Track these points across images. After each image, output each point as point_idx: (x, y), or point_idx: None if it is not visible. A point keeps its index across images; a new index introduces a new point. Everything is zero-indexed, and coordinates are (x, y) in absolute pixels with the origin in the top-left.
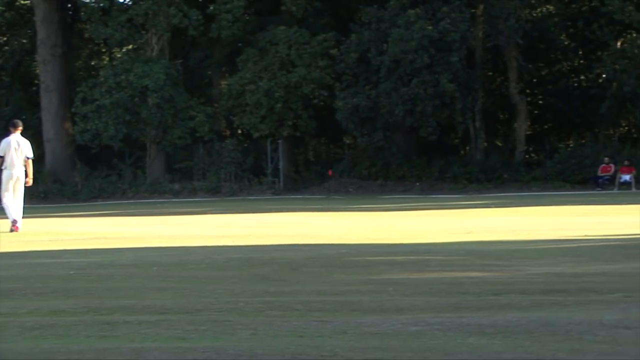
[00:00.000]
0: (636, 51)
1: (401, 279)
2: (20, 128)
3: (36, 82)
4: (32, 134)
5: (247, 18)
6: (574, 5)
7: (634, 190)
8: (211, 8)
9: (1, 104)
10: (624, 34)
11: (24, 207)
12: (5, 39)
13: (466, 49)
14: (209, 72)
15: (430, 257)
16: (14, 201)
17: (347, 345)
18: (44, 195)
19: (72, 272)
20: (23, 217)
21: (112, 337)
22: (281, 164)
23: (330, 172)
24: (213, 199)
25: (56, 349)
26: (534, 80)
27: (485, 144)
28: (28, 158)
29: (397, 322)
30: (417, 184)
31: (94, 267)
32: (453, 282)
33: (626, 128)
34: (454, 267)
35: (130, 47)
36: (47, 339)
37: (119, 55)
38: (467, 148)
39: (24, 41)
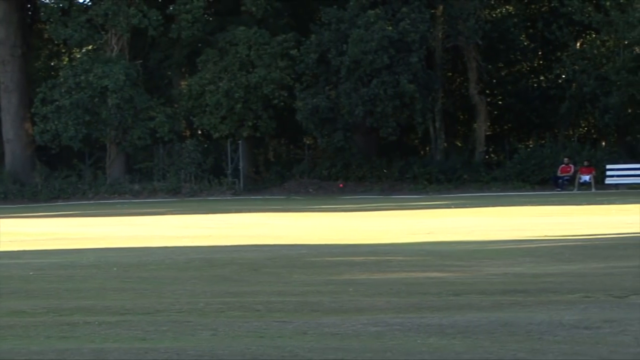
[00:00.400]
0: (595, 52)
1: (361, 280)
2: None
3: None
4: None
5: (207, 18)
6: (533, 6)
7: (593, 190)
8: (171, 8)
9: None
10: (584, 35)
11: None
12: None
13: (426, 49)
14: (169, 73)
15: (390, 258)
16: None
17: (308, 346)
18: (4, 195)
19: (31, 273)
20: None
21: (73, 337)
22: (241, 165)
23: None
24: (173, 199)
25: (16, 350)
26: (494, 80)
27: (445, 144)
28: None
29: (357, 323)
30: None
31: (54, 267)
32: (413, 283)
33: (585, 129)
34: (414, 267)
35: (90, 47)
36: (7, 340)
37: (78, 56)
38: (427, 148)
39: None
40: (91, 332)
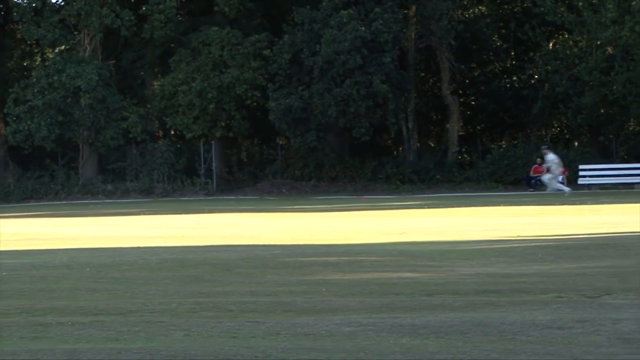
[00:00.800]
0: (568, 52)
1: (334, 280)
2: None
3: None
4: None
5: (180, 19)
6: (506, 7)
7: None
8: (144, 8)
9: None
10: (556, 35)
11: None
12: None
13: (399, 49)
14: (142, 73)
15: (363, 258)
16: None
17: (281, 346)
18: None
19: (4, 274)
20: None
21: (46, 338)
22: (214, 165)
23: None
24: (146, 199)
25: None
26: (467, 81)
27: (418, 144)
28: None
29: (330, 323)
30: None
31: (26, 268)
32: (386, 283)
33: (558, 129)
34: (387, 267)
35: (62, 47)
36: None
37: (51, 56)
38: (400, 149)
39: None
40: (64, 333)
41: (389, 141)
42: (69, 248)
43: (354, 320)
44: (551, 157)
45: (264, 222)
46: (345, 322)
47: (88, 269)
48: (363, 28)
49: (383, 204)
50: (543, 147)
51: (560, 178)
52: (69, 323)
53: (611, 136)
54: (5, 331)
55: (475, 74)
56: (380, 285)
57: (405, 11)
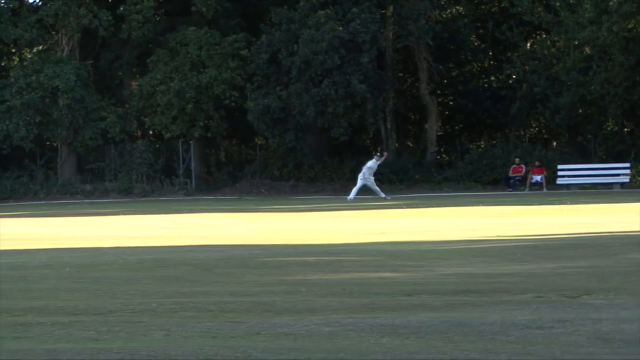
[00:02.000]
0: (545, 52)
1: (314, 280)
2: None
3: None
4: None
5: (158, 19)
6: (483, 7)
7: (544, 190)
8: (121, 9)
9: None
10: (534, 35)
11: None
12: None
13: (377, 49)
14: (120, 73)
15: (343, 258)
16: None
17: (261, 346)
18: None
19: None
20: None
21: (26, 338)
22: (193, 165)
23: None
24: (125, 199)
25: None
26: (445, 81)
27: (397, 144)
28: None
29: (310, 323)
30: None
31: (5, 268)
32: (366, 283)
33: (536, 129)
34: (367, 267)
35: (40, 47)
36: None
37: (29, 56)
38: (379, 149)
39: None
40: (44, 333)
41: (368, 141)
42: (48, 248)
43: (333, 320)
44: None
45: (243, 222)
46: (325, 322)
47: (68, 269)
48: (340, 28)
49: (362, 204)
50: None
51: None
52: (49, 323)
53: (589, 136)
54: None
55: (454, 74)
56: (360, 285)
57: (383, 11)
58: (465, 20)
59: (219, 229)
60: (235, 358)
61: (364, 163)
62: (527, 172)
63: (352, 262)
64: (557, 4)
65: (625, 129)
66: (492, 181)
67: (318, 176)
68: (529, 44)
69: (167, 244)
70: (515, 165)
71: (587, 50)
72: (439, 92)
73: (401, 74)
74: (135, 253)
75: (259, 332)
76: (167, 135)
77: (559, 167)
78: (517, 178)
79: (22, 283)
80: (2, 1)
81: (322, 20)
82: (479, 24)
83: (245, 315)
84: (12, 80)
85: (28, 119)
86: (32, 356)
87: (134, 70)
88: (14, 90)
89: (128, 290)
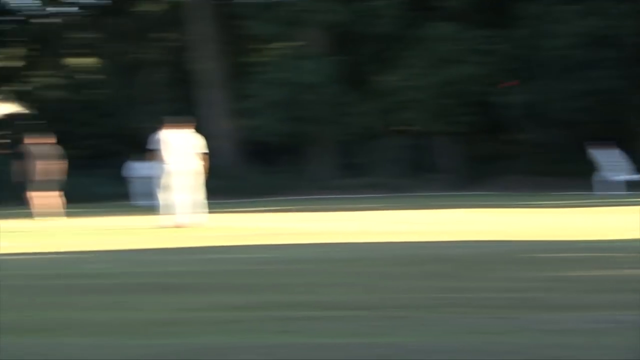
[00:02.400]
0: None
1: (576, 277)
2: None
3: (195, 78)
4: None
5: (408, 14)
6: None
7: None
8: (371, 3)
9: (161, 100)
10: None
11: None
12: (166, 35)
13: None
14: (371, 68)
15: (611, 254)
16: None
17: (537, 343)
18: (216, 191)
19: (255, 267)
20: (196, 213)
21: (287, 332)
22: (448, 160)
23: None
24: (380, 195)
25: (244, 344)
26: None
27: None
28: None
29: (579, 320)
30: None
31: (277, 262)
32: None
33: None
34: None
35: (290, 43)
36: (236, 334)
37: (279, 52)
38: None
39: (184, 37)
40: (304, 328)
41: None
42: (315, 243)
43: (603, 317)
44: None
45: (502, 218)
46: (593, 319)
47: (342, 264)
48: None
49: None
50: None
51: None
52: (307, 317)
53: None
54: (256, 325)
55: None
56: (631, 283)
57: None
58: None
59: (476, 224)
60: (507, 352)
61: None
62: None
63: (622, 258)
64: None
65: None
66: None
67: (577, 171)
68: None
69: (423, 239)
70: None
71: None
72: None
73: None
74: (391, 249)
75: (527, 328)
76: (422, 131)
77: None
78: None
79: (290, 277)
80: None
81: (570, 15)
82: None
83: (508, 311)
84: (265, 75)
85: (283, 114)
86: (293, 350)
87: (385, 65)
88: (266, 86)
89: (388, 285)
